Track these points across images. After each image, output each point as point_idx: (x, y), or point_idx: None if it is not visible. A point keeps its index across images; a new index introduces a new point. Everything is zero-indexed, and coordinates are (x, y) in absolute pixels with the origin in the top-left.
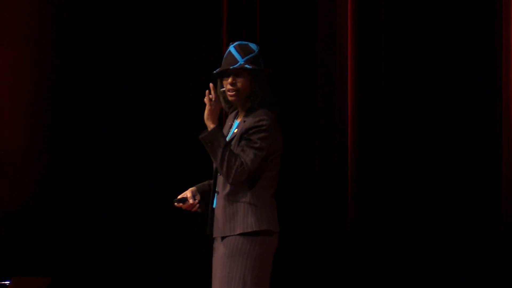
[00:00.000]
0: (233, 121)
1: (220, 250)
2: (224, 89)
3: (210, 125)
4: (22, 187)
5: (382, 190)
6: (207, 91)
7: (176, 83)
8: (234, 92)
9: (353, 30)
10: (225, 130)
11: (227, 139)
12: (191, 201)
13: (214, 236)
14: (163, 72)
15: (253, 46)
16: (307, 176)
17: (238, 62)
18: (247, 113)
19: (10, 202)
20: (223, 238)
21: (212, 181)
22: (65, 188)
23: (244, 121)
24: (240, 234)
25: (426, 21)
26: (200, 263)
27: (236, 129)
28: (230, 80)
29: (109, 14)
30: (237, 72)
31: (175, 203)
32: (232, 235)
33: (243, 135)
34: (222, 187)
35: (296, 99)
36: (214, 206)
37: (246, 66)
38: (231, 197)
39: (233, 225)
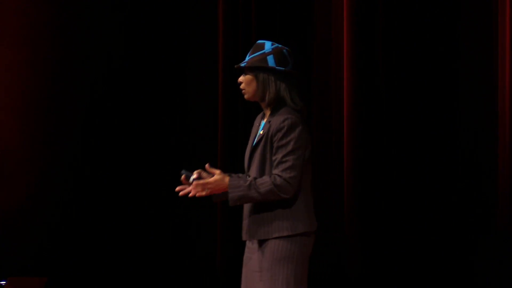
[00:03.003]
0: (260, 122)
1: (257, 254)
2: None
3: (225, 186)
4: (20, 188)
5: (380, 190)
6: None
7: (176, 83)
8: (242, 90)
9: (350, 30)
10: (253, 132)
11: (255, 141)
12: (194, 176)
13: (246, 239)
14: (163, 72)
15: (267, 44)
16: None
17: (245, 60)
18: (271, 113)
19: (7, 203)
20: (260, 241)
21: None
22: (63, 188)
23: (269, 122)
24: (277, 238)
25: (424, 22)
26: (199, 264)
27: (262, 131)
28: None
29: (109, 14)
30: (242, 70)
31: (182, 175)
32: (269, 239)
33: (271, 138)
34: None
35: None
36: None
37: (242, 64)
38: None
39: (268, 229)
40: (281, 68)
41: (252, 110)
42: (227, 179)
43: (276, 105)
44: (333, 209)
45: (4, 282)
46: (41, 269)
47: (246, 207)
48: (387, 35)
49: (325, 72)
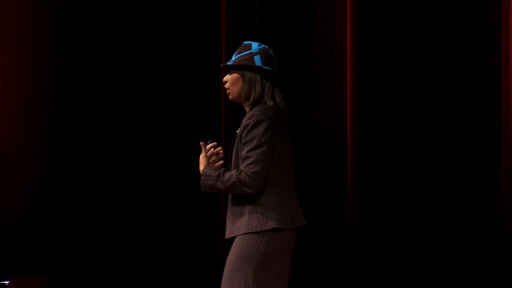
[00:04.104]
0: None
1: (231, 249)
2: None
3: (200, 171)
4: (21, 188)
5: (381, 190)
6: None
7: (176, 83)
8: (227, 90)
9: (352, 29)
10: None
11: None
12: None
13: (225, 238)
14: (163, 72)
15: (254, 44)
16: (306, 175)
17: (231, 59)
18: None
19: (9, 203)
20: (234, 238)
21: None
22: (64, 188)
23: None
24: (245, 234)
25: (425, 20)
26: (199, 264)
27: (238, 130)
28: (224, 78)
29: (109, 15)
30: (226, 69)
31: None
32: (239, 235)
33: (241, 135)
34: None
35: (294, 98)
36: None
37: (228, 63)
38: (239, 198)
39: (240, 225)
40: (267, 68)
41: None
42: (203, 166)
43: (257, 104)
44: (333, 209)
45: (8, 282)
46: (44, 268)
47: (228, 207)
48: (390, 34)
49: (327, 72)
